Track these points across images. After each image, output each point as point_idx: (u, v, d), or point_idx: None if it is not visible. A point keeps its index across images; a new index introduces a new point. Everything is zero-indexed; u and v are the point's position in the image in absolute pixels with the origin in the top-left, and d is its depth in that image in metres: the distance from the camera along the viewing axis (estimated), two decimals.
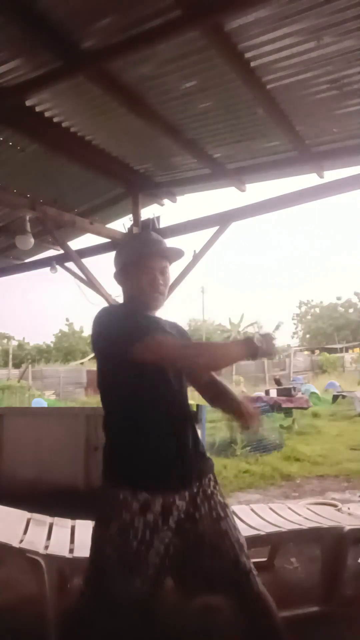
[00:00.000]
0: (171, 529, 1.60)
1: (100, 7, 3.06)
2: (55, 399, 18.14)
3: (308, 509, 3.17)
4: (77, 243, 6.87)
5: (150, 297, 1.72)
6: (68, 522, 2.83)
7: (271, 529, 2.70)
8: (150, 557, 1.55)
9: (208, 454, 1.84)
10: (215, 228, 5.34)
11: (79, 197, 6.14)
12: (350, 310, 40.64)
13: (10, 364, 27.41)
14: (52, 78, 3.63)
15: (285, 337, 40.80)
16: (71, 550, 2.43)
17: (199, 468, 1.72)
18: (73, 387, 22.82)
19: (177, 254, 1.79)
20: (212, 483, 1.74)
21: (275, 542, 3.05)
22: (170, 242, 1.90)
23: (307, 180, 5.13)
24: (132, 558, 1.54)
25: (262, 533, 2.62)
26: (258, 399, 11.41)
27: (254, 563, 1.71)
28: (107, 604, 1.54)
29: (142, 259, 1.73)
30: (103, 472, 1.69)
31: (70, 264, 6.09)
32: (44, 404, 13.19)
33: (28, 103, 4.14)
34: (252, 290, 73.95)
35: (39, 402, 13.80)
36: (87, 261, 6.00)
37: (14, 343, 35.32)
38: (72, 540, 2.58)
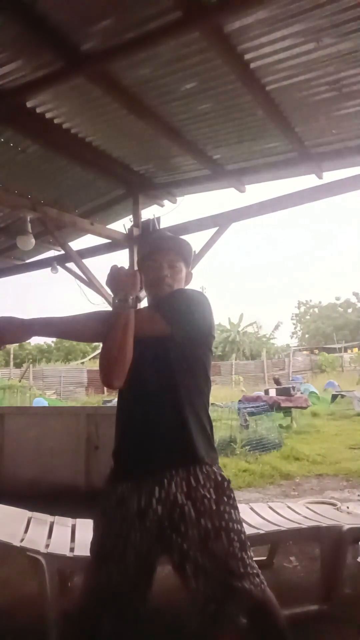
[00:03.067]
0: (150, 531, 1.54)
1: (100, 8, 3.06)
2: (56, 399, 18.16)
3: (307, 507, 3.19)
4: (77, 244, 6.94)
5: (154, 289, 1.77)
6: (69, 521, 2.84)
7: (271, 527, 2.71)
8: (125, 550, 1.52)
9: None
10: (215, 229, 5.35)
11: (79, 198, 6.16)
12: (349, 310, 40.71)
13: (12, 363, 27.40)
14: (53, 79, 3.64)
15: (285, 337, 40.75)
16: (72, 549, 2.44)
17: (164, 459, 1.58)
18: (74, 386, 22.90)
19: (179, 244, 1.81)
20: (195, 480, 1.57)
21: (274, 541, 3.06)
22: None
23: (306, 181, 5.15)
24: (106, 545, 1.57)
25: (262, 532, 2.63)
26: (257, 398, 11.43)
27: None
28: (91, 594, 1.57)
29: (148, 254, 1.80)
30: None
31: (71, 265, 6.13)
32: (45, 404, 13.18)
33: (29, 104, 4.15)
34: (251, 290, 74.00)
35: (40, 402, 13.78)
36: (87, 262, 6.04)
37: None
38: (72, 539, 2.59)
